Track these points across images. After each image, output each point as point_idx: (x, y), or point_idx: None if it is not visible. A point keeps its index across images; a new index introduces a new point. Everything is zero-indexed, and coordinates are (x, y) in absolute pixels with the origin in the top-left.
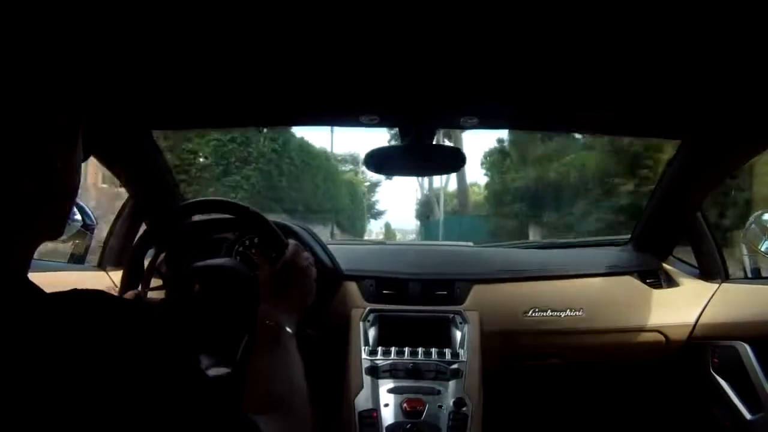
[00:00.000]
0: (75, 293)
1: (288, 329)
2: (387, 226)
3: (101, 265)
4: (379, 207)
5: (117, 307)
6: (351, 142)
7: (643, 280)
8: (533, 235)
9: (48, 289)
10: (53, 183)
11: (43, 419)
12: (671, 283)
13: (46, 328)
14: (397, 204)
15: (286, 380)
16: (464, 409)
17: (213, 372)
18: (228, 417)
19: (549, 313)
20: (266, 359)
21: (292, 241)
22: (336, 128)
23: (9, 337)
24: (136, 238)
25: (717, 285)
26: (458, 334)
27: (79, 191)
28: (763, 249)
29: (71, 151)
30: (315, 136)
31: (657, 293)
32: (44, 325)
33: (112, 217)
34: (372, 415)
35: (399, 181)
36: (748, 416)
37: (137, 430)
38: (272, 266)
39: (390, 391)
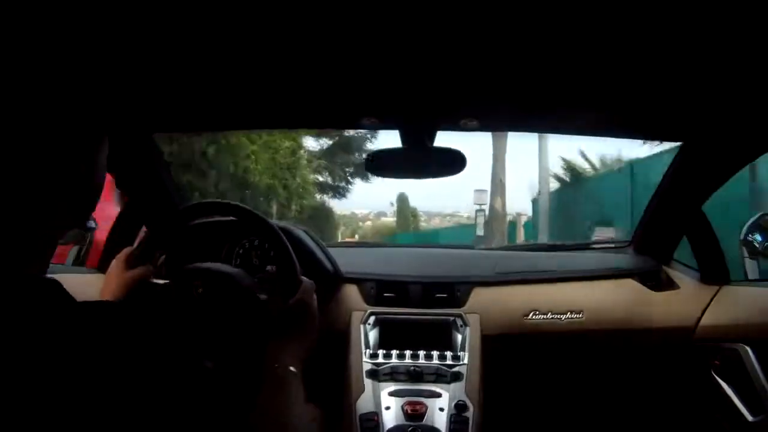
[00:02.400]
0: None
1: (293, 369)
2: (401, 200)
3: (101, 269)
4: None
5: (136, 319)
6: None
7: (643, 282)
8: None
9: None
10: (78, 187)
11: (43, 420)
12: (672, 285)
13: (65, 331)
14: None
15: (291, 426)
16: (465, 412)
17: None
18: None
19: (549, 315)
20: (272, 403)
21: (306, 280)
22: None
23: (26, 333)
24: (139, 243)
25: (718, 287)
26: (459, 337)
27: None
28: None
29: (95, 154)
30: None
31: (657, 296)
32: (64, 328)
33: None
34: (373, 418)
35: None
36: (750, 418)
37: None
38: (285, 302)
39: (391, 394)
